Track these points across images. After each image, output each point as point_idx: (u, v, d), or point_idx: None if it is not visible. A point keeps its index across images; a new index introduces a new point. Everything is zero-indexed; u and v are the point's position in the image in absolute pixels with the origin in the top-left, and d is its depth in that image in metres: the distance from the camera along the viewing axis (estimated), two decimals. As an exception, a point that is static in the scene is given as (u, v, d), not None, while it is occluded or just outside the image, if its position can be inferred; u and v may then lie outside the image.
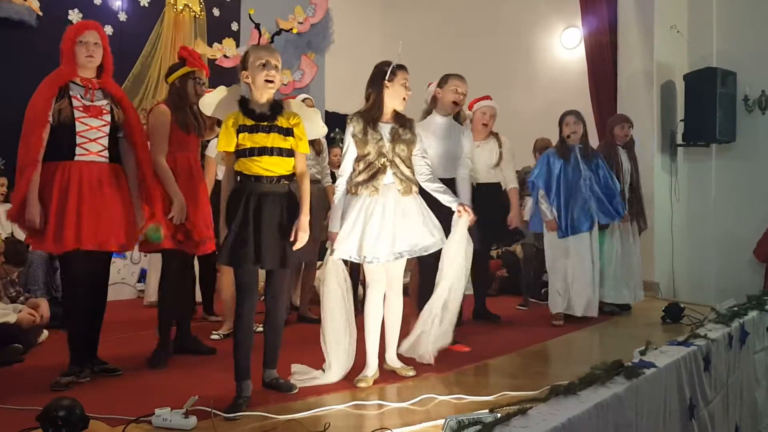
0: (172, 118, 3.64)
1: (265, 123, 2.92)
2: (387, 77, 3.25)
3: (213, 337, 4.23)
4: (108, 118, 3.22)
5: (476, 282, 5.22)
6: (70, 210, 3.06)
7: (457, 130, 4.03)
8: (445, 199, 3.43)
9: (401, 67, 3.30)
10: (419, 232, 3.27)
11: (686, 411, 3.42)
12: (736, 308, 4.71)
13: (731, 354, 4.21)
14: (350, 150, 3.26)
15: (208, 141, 5.03)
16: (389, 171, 3.24)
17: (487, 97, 5.05)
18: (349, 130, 3.26)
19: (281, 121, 2.95)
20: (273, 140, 2.91)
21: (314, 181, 4.76)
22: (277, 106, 2.98)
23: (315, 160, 4.81)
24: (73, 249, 3.08)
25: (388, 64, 3.29)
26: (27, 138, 3.06)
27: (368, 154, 3.23)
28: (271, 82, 2.92)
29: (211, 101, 3.19)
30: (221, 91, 3.18)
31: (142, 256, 6.32)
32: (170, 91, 3.78)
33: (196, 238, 3.62)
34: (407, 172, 3.30)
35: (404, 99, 3.31)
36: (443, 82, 4.03)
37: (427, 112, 4.17)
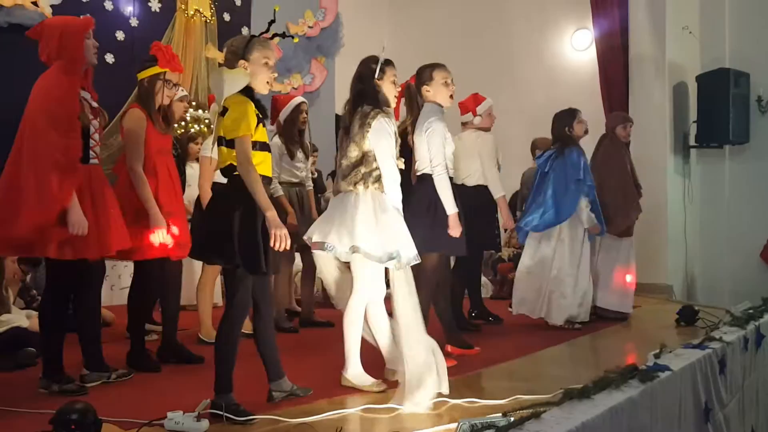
0: (148, 120, 3.51)
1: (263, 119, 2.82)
2: (376, 75, 3.13)
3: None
4: (99, 120, 3.18)
5: (469, 283, 5.12)
6: (101, 214, 3.03)
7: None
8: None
9: (389, 63, 3.19)
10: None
11: (701, 414, 3.39)
12: (751, 311, 4.68)
13: (747, 357, 4.18)
14: (391, 144, 3.09)
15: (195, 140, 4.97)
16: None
17: (482, 97, 4.97)
18: (392, 124, 3.09)
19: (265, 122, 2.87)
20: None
21: (299, 184, 4.75)
22: (263, 105, 2.86)
23: (304, 163, 4.79)
24: (110, 254, 3.07)
25: (375, 60, 3.16)
26: (62, 140, 2.88)
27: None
28: (270, 85, 2.85)
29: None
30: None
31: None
32: (139, 90, 3.61)
33: (185, 243, 3.49)
34: None
35: (395, 96, 3.21)
36: (428, 78, 3.72)
37: (416, 107, 3.85)
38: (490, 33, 8.67)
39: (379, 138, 3.05)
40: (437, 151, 3.63)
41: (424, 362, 2.84)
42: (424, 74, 3.75)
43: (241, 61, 2.78)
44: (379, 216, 3.02)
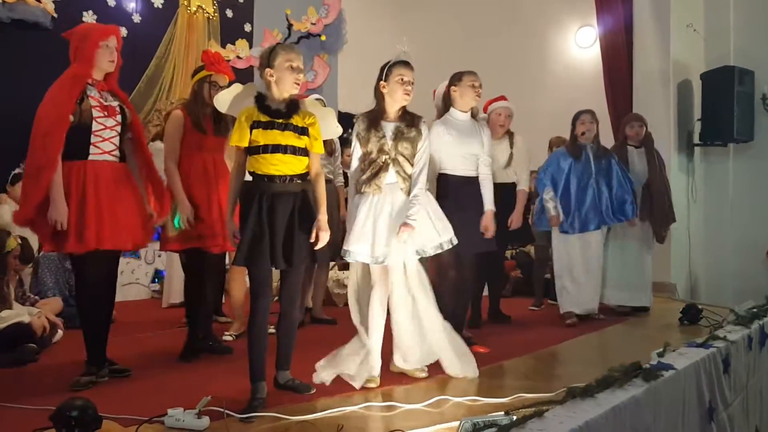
0: (187, 121, 3.76)
1: (281, 120, 2.90)
2: (383, 78, 3.25)
3: (225, 338, 4.22)
4: (119, 118, 3.25)
5: (491, 283, 5.19)
6: (90, 209, 3.07)
7: (477, 128, 3.98)
8: (411, 210, 3.22)
9: (397, 64, 3.24)
10: (427, 231, 3.26)
11: (705, 414, 3.37)
12: (755, 309, 4.65)
13: (751, 356, 4.16)
14: (356, 149, 3.29)
15: None
16: (391, 169, 3.23)
17: (503, 98, 5.01)
18: (355, 129, 3.29)
19: (297, 120, 2.94)
20: (287, 138, 2.89)
21: (326, 181, 4.76)
22: (293, 105, 2.96)
23: (327, 159, 4.81)
24: (94, 249, 3.09)
25: (387, 63, 3.28)
26: (45, 138, 3.03)
27: (371, 152, 3.23)
28: (298, 85, 2.95)
29: (225, 98, 3.23)
30: (236, 88, 3.20)
31: (156, 257, 6.34)
32: (190, 93, 3.94)
33: (212, 235, 3.70)
34: (411, 170, 3.28)
35: (405, 94, 3.23)
36: (457, 79, 3.96)
37: (443, 111, 4.07)
38: (493, 30, 8.64)
39: (352, 140, 3.29)
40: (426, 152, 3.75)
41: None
42: (455, 77, 3.99)
43: (267, 70, 2.92)
44: (349, 216, 3.25)
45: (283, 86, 2.91)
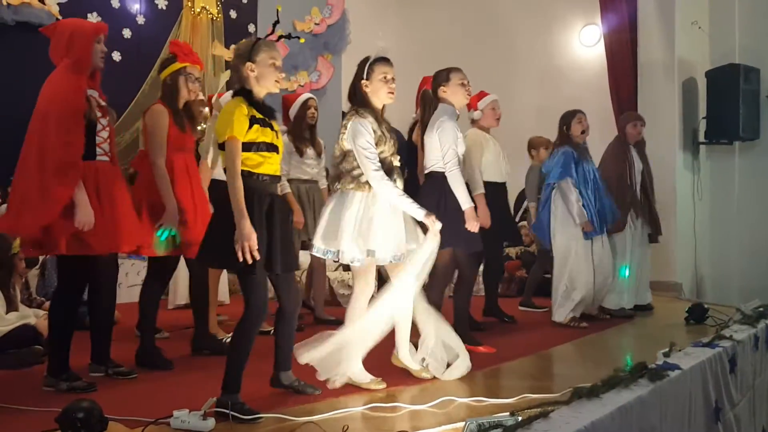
0: (170, 116, 3.56)
1: (267, 119, 2.83)
2: (365, 76, 3.16)
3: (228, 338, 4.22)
4: (110, 119, 3.20)
5: (487, 280, 5.15)
6: (107, 210, 3.03)
7: None
8: (413, 209, 3.16)
9: (378, 61, 3.17)
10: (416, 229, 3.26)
11: (711, 414, 3.36)
12: (761, 309, 4.64)
13: (757, 355, 4.15)
14: (371, 144, 3.09)
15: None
16: (396, 170, 3.21)
17: (486, 93, 4.95)
18: (368, 123, 3.11)
19: (273, 123, 2.88)
20: (277, 139, 2.85)
21: (314, 181, 4.77)
22: (268, 106, 2.89)
23: (315, 160, 4.80)
24: (115, 250, 3.09)
25: (366, 60, 3.19)
26: (65, 137, 2.89)
27: (382, 152, 3.13)
28: (279, 84, 2.86)
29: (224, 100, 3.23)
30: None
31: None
32: (163, 89, 3.68)
33: (193, 243, 3.43)
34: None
35: (389, 93, 3.16)
36: (444, 79, 3.82)
37: (430, 109, 3.92)
38: (498, 30, 8.63)
39: (354, 138, 3.10)
40: (449, 148, 3.67)
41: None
42: (440, 76, 3.86)
43: (248, 64, 2.80)
44: (344, 214, 3.07)
45: (264, 83, 2.81)
